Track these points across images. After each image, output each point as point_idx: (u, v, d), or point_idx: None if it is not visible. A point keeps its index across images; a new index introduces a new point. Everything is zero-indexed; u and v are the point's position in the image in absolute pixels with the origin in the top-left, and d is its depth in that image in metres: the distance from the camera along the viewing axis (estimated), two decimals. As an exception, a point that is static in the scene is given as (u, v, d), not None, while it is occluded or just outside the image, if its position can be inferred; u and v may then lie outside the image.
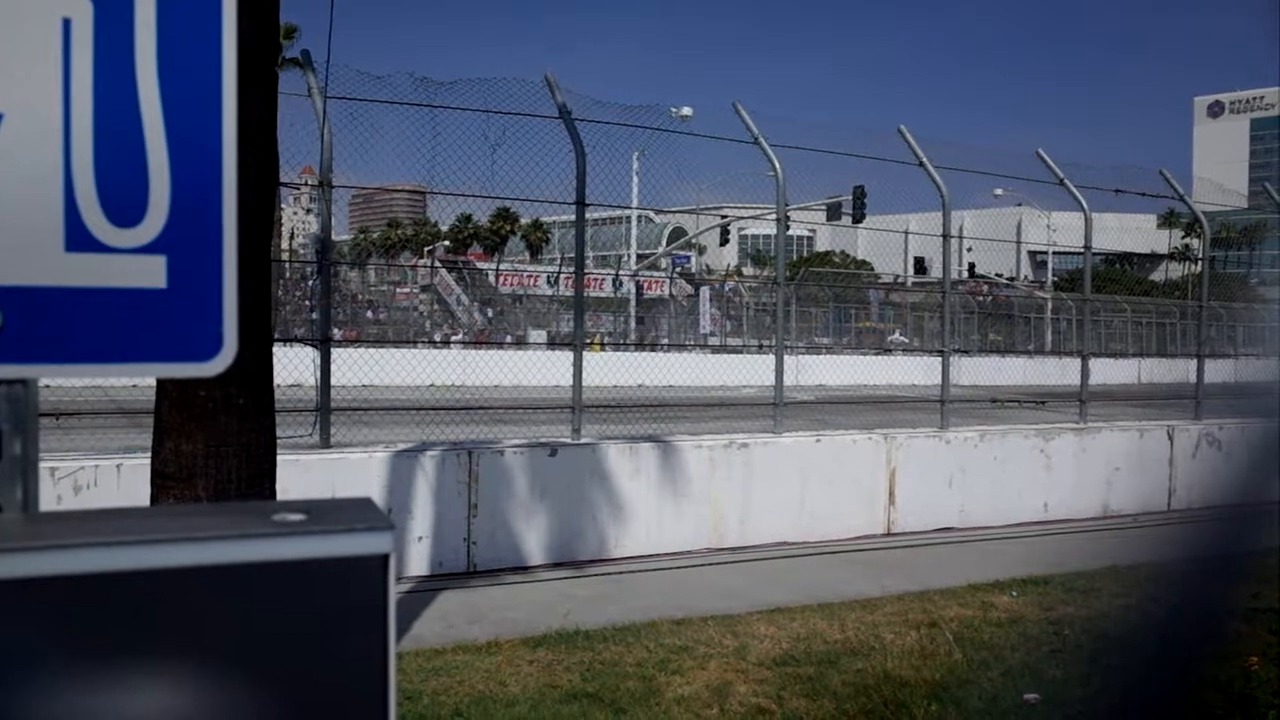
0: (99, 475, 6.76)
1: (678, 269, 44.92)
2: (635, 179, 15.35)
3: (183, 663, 0.72)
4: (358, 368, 10.62)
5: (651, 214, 42.76)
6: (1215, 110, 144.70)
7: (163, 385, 4.51)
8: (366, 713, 0.77)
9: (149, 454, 4.60)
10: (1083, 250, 12.74)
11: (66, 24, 0.87)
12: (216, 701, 0.73)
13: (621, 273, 34.48)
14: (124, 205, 0.89)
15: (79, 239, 0.88)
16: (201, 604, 0.73)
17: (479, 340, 28.42)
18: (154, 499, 4.48)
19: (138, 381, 7.80)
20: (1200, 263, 14.69)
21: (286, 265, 23.27)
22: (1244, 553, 0.74)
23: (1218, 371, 13.42)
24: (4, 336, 0.86)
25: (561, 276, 31.46)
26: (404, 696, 4.84)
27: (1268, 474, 0.74)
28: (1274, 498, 0.73)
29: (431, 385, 13.20)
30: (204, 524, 0.76)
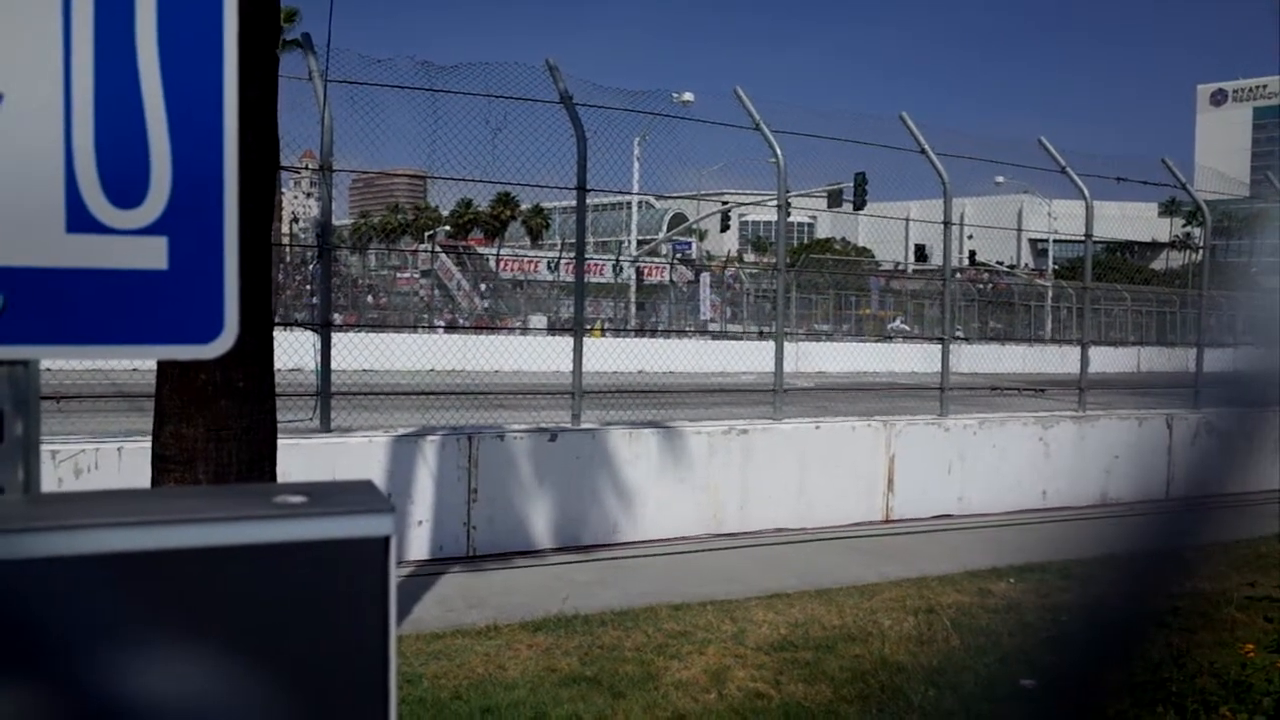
0: (100, 458, 6.77)
1: (678, 255, 44.83)
2: (636, 164, 15.31)
3: (183, 644, 0.72)
4: (358, 352, 10.63)
5: (652, 200, 42.66)
6: (1218, 98, 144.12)
7: (163, 368, 4.51)
8: (367, 695, 0.78)
9: (150, 437, 4.60)
10: (1084, 238, 12.72)
11: (67, 4, 0.87)
12: (217, 683, 0.73)
13: (622, 258, 34.43)
14: (125, 186, 0.89)
15: (80, 220, 0.88)
16: (202, 585, 0.73)
17: (477, 326, 28.39)
18: (155, 482, 4.49)
19: (138, 365, 7.81)
20: (1201, 251, 14.68)
21: (287, 249, 23.23)
22: (1188, 545, 0.74)
23: (1218, 360, 13.41)
24: (5, 317, 0.86)
25: (562, 262, 31.42)
26: (404, 679, 4.86)
27: (1228, 464, 0.74)
28: (1230, 487, 0.74)
29: (432, 370, 13.20)
30: (205, 506, 0.76)
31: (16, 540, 0.69)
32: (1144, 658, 0.76)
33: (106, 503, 0.76)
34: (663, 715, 4.60)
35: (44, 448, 0.91)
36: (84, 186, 0.88)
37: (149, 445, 4.61)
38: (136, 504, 0.77)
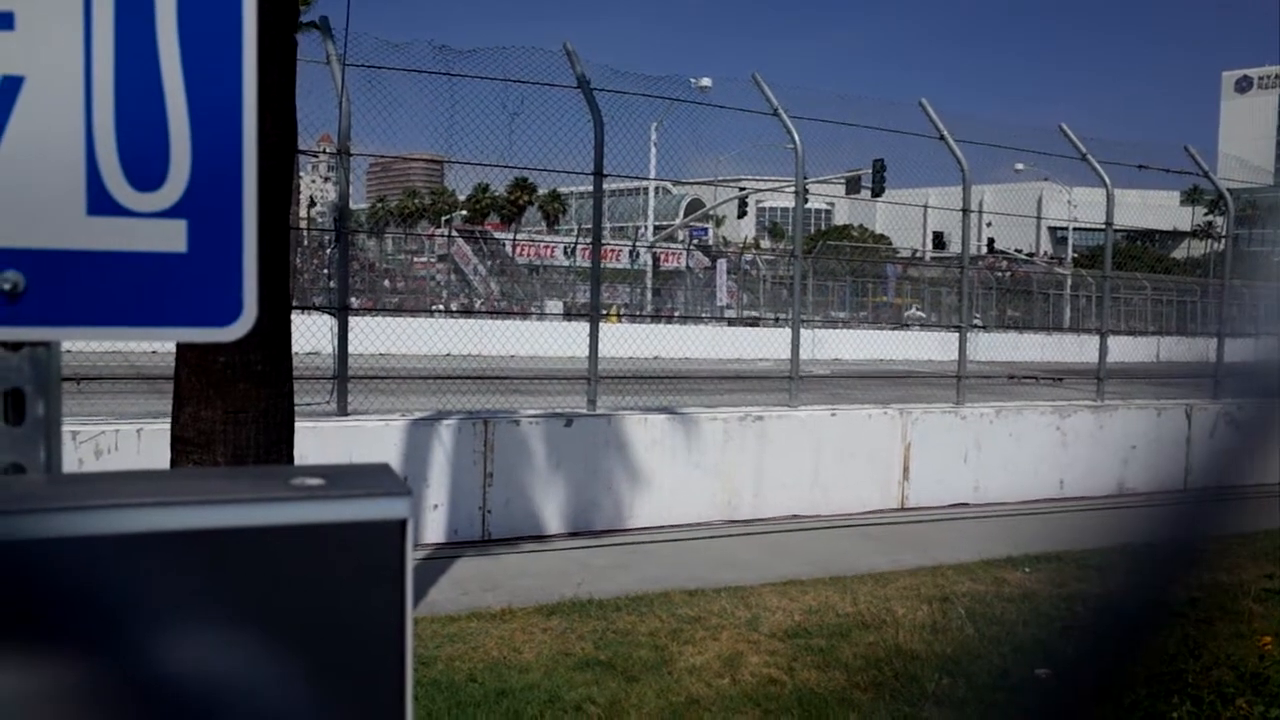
0: (120, 440, 6.83)
1: (695, 241, 44.73)
2: (653, 150, 15.28)
3: (200, 625, 0.73)
4: (375, 336, 10.65)
5: (669, 185, 42.56)
6: (1243, 85, 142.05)
7: (182, 351, 4.54)
8: (383, 676, 0.78)
9: (169, 419, 4.64)
10: (1104, 226, 12.62)
11: (88, -13, 0.87)
12: (234, 664, 0.73)
13: (638, 244, 34.37)
14: (145, 169, 0.89)
15: (101, 203, 0.89)
16: (221, 566, 0.74)
17: (493, 310, 28.41)
18: (174, 463, 4.53)
19: (157, 347, 7.85)
20: (1223, 240, 14.54)
21: (305, 233, 23.28)
22: (1206, 536, 0.74)
23: (1239, 351, 13.29)
24: (27, 299, 0.87)
25: (578, 247, 31.39)
26: (419, 662, 4.89)
27: (1246, 455, 0.73)
28: (1245, 479, 0.73)
29: (448, 354, 13.24)
30: (224, 487, 0.77)
31: (39, 520, 0.70)
32: (1160, 649, 0.76)
33: (126, 483, 0.76)
34: (676, 700, 4.62)
35: (65, 428, 0.92)
36: (104, 169, 0.88)
37: (168, 427, 4.64)
38: (156, 485, 0.77)
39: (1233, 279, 13.83)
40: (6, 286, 0.86)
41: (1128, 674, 0.74)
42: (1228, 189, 13.86)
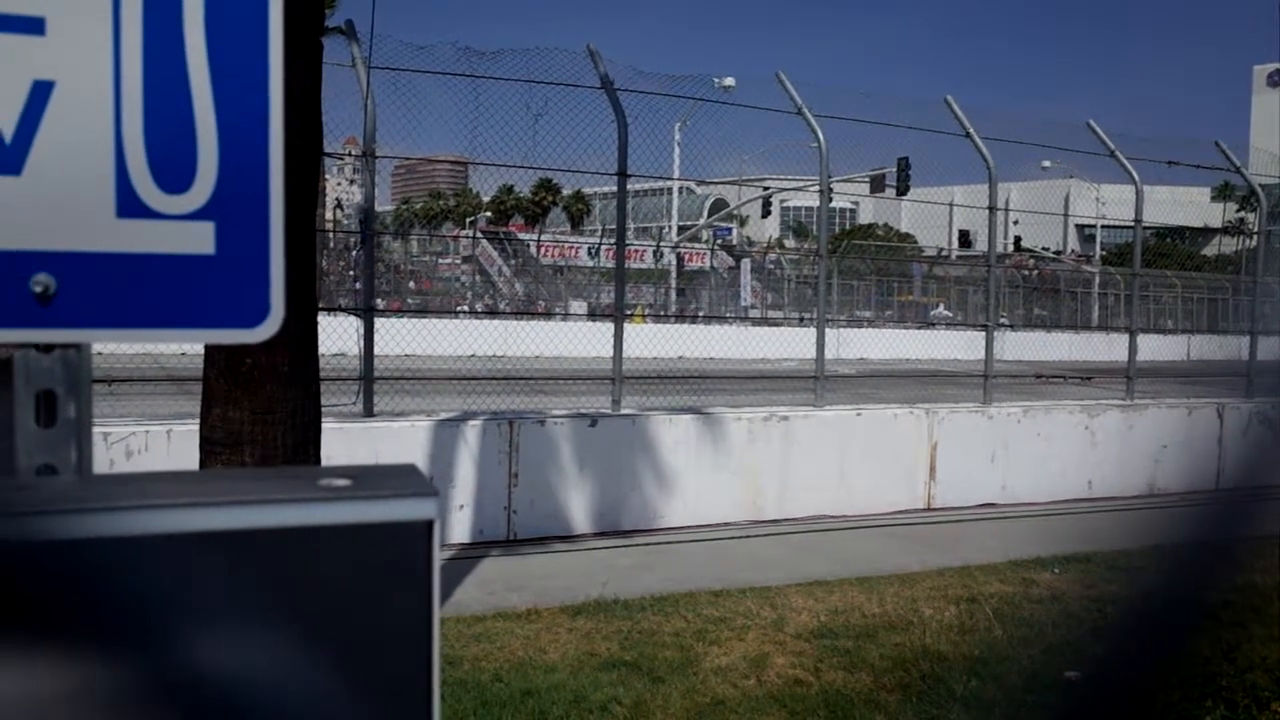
0: (149, 441, 6.91)
1: (719, 241, 44.67)
2: (677, 150, 15.25)
3: (228, 625, 0.73)
4: (401, 337, 10.71)
5: (693, 185, 42.47)
6: (1275, 79, 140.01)
7: (210, 353, 4.58)
8: (410, 676, 0.78)
9: (198, 420, 4.68)
10: (1133, 224, 12.48)
11: (117, -8, 0.88)
12: (262, 663, 0.74)
13: (663, 244, 34.38)
14: (173, 172, 0.90)
15: (130, 205, 0.89)
16: (250, 567, 0.74)
17: (518, 311, 28.46)
18: (203, 464, 4.57)
19: (186, 349, 7.93)
20: (1255, 237, 14.34)
21: (331, 235, 23.41)
22: (1240, 536, 0.73)
23: (1271, 349, 13.09)
24: (58, 301, 0.88)
25: (603, 248, 31.40)
26: (445, 662, 4.91)
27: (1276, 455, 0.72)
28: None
29: (473, 355, 13.28)
30: (252, 488, 0.77)
31: (71, 520, 0.70)
32: (1193, 652, 0.75)
33: (156, 484, 0.77)
34: (702, 701, 4.61)
35: (96, 430, 0.93)
36: (133, 172, 0.89)
37: (197, 428, 4.69)
38: (186, 486, 0.78)
39: (1265, 276, 13.64)
40: (38, 289, 0.87)
41: (1160, 677, 0.73)
42: (1260, 184, 13.66)
